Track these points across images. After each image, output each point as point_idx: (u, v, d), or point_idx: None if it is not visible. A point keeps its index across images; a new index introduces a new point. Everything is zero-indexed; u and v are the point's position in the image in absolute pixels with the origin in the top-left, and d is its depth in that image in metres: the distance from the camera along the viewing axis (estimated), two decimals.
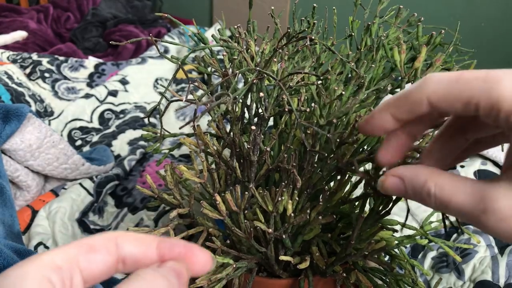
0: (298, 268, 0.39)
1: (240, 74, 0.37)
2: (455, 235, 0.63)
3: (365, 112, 0.40)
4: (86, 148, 0.86)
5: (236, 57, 0.42)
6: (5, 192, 0.59)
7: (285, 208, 0.37)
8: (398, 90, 0.45)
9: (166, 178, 0.43)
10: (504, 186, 0.23)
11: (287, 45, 0.43)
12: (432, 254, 0.61)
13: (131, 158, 0.80)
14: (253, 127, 0.40)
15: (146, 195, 0.47)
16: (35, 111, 0.91)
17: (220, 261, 0.39)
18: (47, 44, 1.29)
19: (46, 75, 1.04)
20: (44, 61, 1.07)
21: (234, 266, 0.39)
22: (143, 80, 1.07)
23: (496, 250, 0.58)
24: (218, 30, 0.50)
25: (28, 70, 1.04)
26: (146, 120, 0.92)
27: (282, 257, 0.40)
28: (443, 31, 0.45)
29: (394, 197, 0.35)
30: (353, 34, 0.49)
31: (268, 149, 0.39)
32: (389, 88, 0.41)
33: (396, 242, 0.43)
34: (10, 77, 0.94)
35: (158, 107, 0.42)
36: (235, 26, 0.46)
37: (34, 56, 1.07)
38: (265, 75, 0.38)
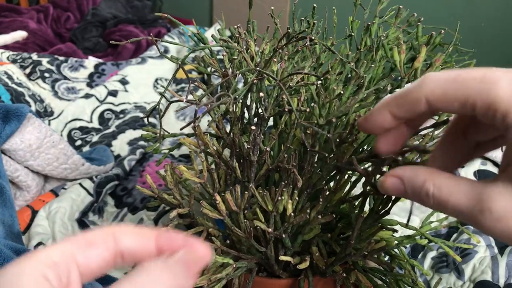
0: (298, 268, 0.39)
1: (240, 74, 0.37)
2: (455, 235, 0.63)
3: (364, 112, 0.40)
4: (86, 148, 0.86)
5: (236, 57, 0.42)
6: (5, 192, 0.59)
7: (285, 208, 0.37)
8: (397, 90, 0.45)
9: (166, 178, 0.43)
10: (501, 186, 0.23)
11: (287, 45, 0.43)
12: (432, 254, 0.61)
13: (131, 158, 0.80)
14: (253, 127, 0.40)
15: (146, 195, 0.47)
16: (35, 111, 0.91)
17: (220, 261, 0.39)
18: (47, 44, 1.29)
19: (46, 75, 1.04)
20: (44, 61, 1.07)
21: (234, 266, 0.39)
22: (143, 80, 1.07)
23: (496, 250, 0.58)
24: (218, 30, 0.50)
25: (28, 70, 1.04)
26: (146, 120, 0.92)
27: (282, 257, 0.40)
28: (443, 31, 0.45)
29: (393, 197, 0.35)
30: (353, 34, 0.49)
31: (268, 149, 0.39)
32: (388, 88, 0.41)
33: (396, 242, 0.43)
34: (10, 77, 0.94)
35: (157, 107, 0.42)
36: (235, 26, 0.46)
37: (34, 56, 1.07)
38: (265, 75, 0.38)
